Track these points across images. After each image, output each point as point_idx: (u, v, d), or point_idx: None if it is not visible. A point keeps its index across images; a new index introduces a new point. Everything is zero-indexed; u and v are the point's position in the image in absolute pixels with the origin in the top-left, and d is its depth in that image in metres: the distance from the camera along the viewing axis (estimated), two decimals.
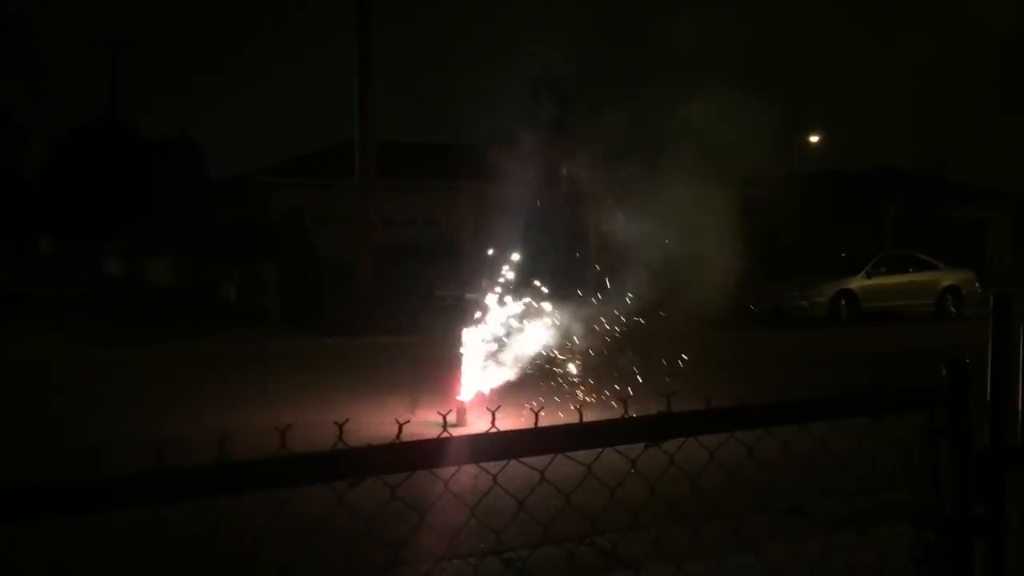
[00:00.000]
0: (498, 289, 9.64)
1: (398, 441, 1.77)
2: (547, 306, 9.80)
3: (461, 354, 9.49)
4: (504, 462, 1.91)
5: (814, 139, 35.94)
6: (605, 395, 8.87)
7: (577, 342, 10.27)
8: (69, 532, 1.83)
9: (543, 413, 2.17)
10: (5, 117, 25.56)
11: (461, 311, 9.73)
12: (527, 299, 9.70)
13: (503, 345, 9.57)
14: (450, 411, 8.66)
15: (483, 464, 1.88)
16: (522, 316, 9.63)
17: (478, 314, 9.60)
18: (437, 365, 9.72)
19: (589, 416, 2.00)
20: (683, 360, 9.92)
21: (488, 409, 2.30)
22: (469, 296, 9.73)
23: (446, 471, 1.88)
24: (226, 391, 10.83)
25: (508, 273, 9.75)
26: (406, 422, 2.00)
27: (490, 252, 9.84)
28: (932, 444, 2.23)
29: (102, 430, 8.49)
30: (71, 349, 14.95)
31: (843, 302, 20.22)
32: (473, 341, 9.51)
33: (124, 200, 37.24)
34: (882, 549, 2.59)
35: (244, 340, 16.55)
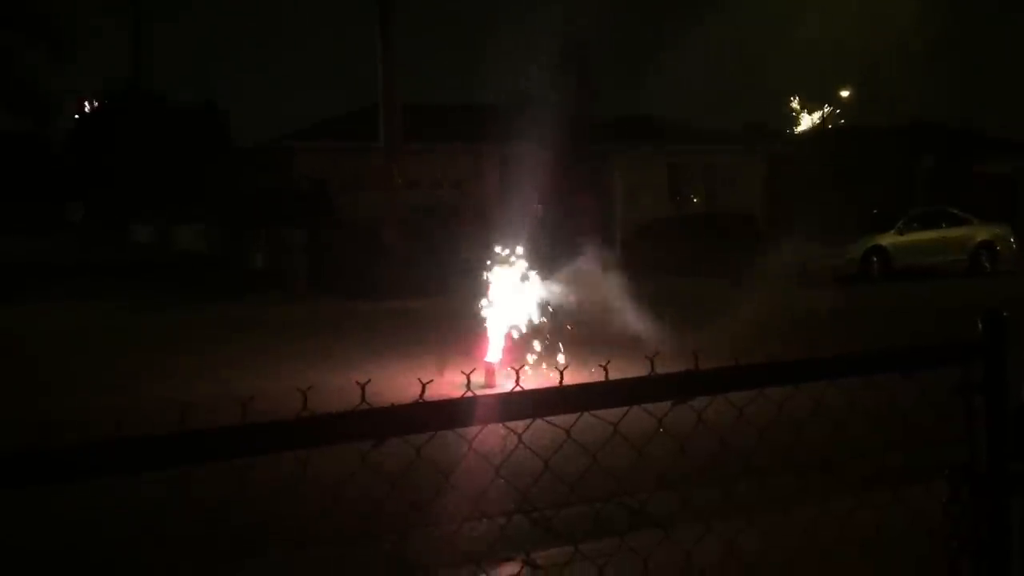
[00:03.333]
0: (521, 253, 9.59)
1: (420, 400, 1.75)
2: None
3: (486, 315, 9.47)
4: (529, 421, 1.89)
5: (845, 93, 35.34)
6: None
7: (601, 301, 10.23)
8: (92, 495, 1.84)
9: (568, 371, 2.14)
10: (30, 85, 25.70)
11: (487, 272, 9.68)
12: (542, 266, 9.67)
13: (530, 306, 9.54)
14: (473, 369, 8.66)
15: (508, 424, 1.86)
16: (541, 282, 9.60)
17: (499, 275, 9.55)
18: (464, 327, 9.72)
19: (615, 374, 1.96)
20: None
21: (513, 369, 2.27)
22: (495, 256, 9.65)
23: (470, 431, 1.85)
24: (252, 355, 10.92)
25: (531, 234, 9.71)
26: (429, 382, 1.97)
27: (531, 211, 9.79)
28: (967, 400, 2.18)
29: (131, 393, 8.61)
30: (101, 316, 15.13)
31: (875, 259, 19.95)
32: (498, 301, 9.48)
33: (151, 168, 37.47)
34: (915, 506, 2.55)
35: (271, 305, 16.67)
